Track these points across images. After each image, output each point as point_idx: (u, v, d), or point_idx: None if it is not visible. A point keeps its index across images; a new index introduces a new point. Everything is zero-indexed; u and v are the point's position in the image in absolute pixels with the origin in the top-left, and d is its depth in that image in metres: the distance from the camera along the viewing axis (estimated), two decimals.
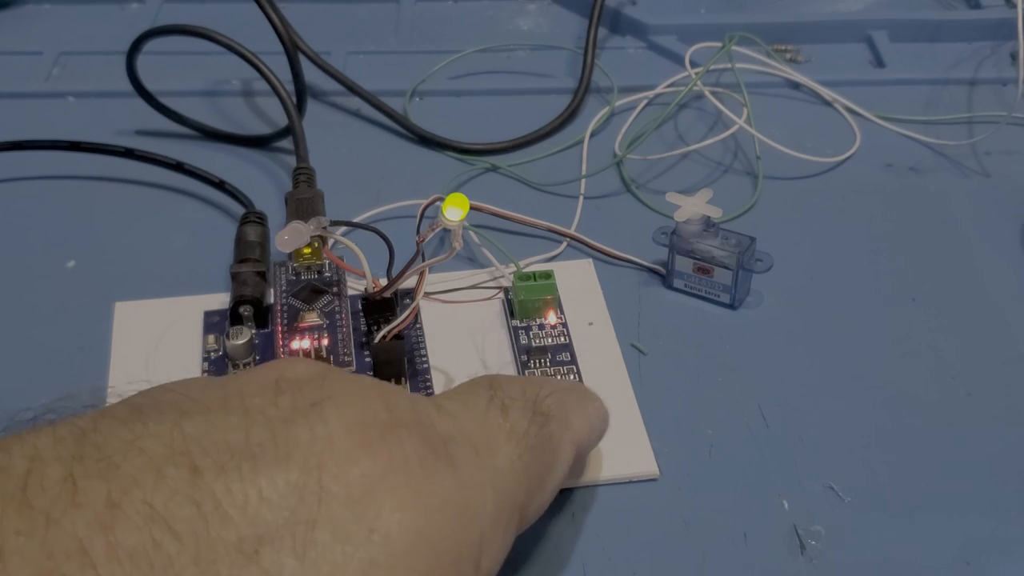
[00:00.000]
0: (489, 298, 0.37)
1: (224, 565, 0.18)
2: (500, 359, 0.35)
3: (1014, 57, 0.50)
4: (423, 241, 0.33)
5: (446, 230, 0.31)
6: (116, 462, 0.19)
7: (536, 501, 0.25)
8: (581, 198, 0.42)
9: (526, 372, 0.34)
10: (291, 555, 0.18)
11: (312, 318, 0.35)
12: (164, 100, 0.45)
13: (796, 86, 0.49)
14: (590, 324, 0.36)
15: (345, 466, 0.20)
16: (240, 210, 0.40)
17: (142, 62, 0.43)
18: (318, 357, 0.33)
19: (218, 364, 0.35)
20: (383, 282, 0.34)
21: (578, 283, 0.38)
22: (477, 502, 0.22)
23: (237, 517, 0.19)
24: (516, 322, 0.36)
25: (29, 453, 0.19)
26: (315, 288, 0.36)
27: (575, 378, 0.34)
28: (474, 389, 0.26)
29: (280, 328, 0.34)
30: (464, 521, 0.21)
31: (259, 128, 0.46)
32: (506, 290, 0.37)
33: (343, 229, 0.38)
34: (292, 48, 0.44)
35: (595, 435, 0.29)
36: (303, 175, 0.41)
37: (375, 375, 0.34)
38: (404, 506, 0.20)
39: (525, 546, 0.30)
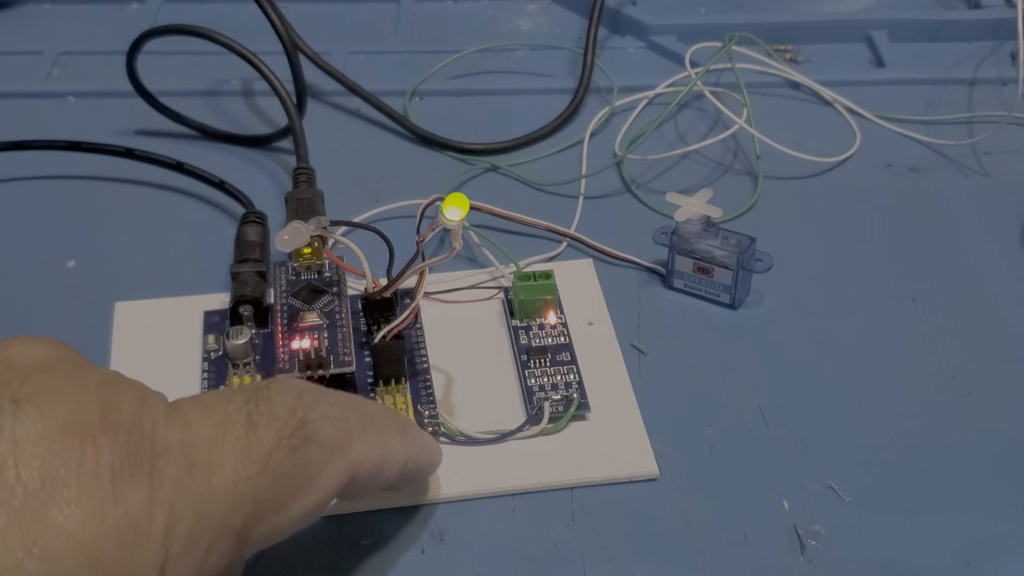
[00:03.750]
0: (489, 298, 0.37)
1: None
2: (500, 359, 0.35)
3: (1014, 57, 0.50)
4: (423, 241, 0.33)
5: (446, 230, 0.31)
6: None
7: (267, 525, 0.23)
8: (581, 198, 0.42)
9: (526, 372, 0.34)
10: None
11: (312, 318, 0.35)
12: (164, 100, 0.45)
13: (796, 86, 0.49)
14: (590, 324, 0.36)
15: (25, 474, 0.19)
16: (240, 210, 0.40)
17: (142, 62, 0.43)
18: (318, 357, 0.33)
19: (218, 364, 0.34)
20: (383, 282, 0.34)
21: (578, 283, 0.38)
22: (166, 524, 0.20)
23: None
24: (516, 322, 0.36)
25: None
26: (315, 288, 0.36)
27: (575, 378, 0.34)
28: (230, 395, 0.24)
29: (280, 328, 0.34)
30: (144, 543, 0.20)
31: (259, 128, 0.46)
32: (506, 290, 0.37)
33: (343, 229, 0.38)
34: (292, 48, 0.44)
35: (391, 470, 0.27)
36: (303, 175, 0.41)
37: (375, 375, 0.34)
38: (74, 523, 0.19)
39: (525, 546, 0.30)
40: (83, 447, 0.20)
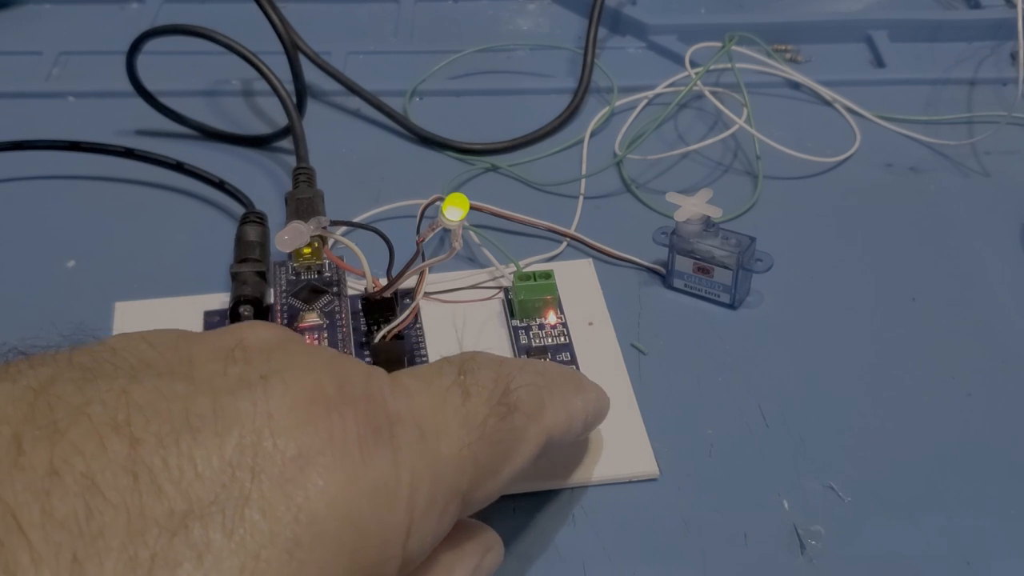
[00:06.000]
0: (489, 298, 0.37)
1: (153, 537, 0.18)
2: None
3: (1014, 57, 0.50)
4: (423, 241, 0.33)
5: (446, 230, 0.31)
6: (63, 428, 0.19)
7: (485, 488, 0.25)
8: (581, 198, 0.42)
9: None
10: (219, 531, 0.19)
11: (312, 318, 0.35)
12: (164, 100, 0.45)
13: (796, 86, 0.49)
14: (590, 324, 0.36)
15: (282, 444, 0.20)
16: (240, 210, 0.40)
17: (142, 62, 0.43)
18: None
19: None
20: (383, 282, 0.34)
21: (578, 283, 0.38)
22: (410, 486, 0.22)
23: (171, 491, 0.19)
24: (516, 322, 0.36)
25: None
26: (315, 288, 0.36)
27: None
28: (442, 368, 0.25)
29: None
30: (394, 504, 0.21)
31: (259, 128, 0.46)
32: (506, 290, 0.37)
33: (343, 229, 0.38)
34: (292, 48, 0.44)
35: (576, 427, 0.28)
36: (303, 175, 0.41)
37: None
38: (334, 488, 0.20)
39: (525, 546, 0.30)
40: (330, 417, 0.21)
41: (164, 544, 0.18)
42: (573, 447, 0.32)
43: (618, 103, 0.47)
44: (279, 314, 0.35)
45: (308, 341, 0.34)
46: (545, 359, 0.35)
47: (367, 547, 0.21)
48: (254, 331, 0.24)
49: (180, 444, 0.20)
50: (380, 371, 0.24)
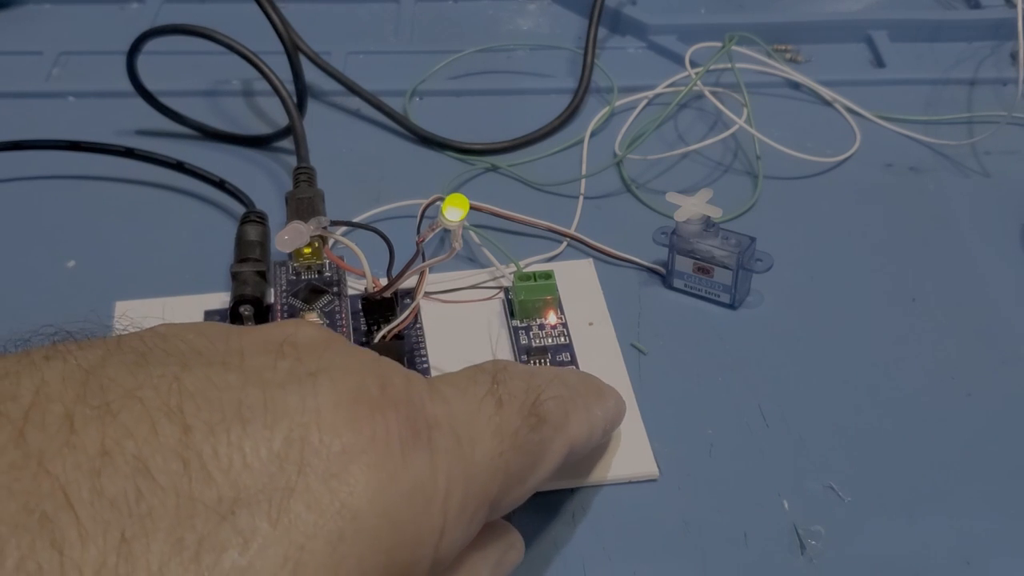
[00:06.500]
0: (489, 298, 0.37)
1: (200, 521, 0.19)
2: (500, 359, 0.35)
3: (1014, 57, 0.50)
4: (423, 241, 0.33)
5: (446, 230, 0.31)
6: (115, 410, 0.19)
7: (512, 496, 0.25)
8: (581, 198, 0.42)
9: None
10: (265, 520, 0.19)
11: (312, 318, 0.35)
12: (164, 100, 0.45)
13: (796, 86, 0.49)
14: (590, 324, 0.36)
15: (327, 440, 0.21)
16: (240, 210, 0.40)
17: (142, 62, 0.43)
18: None
19: None
20: (383, 282, 0.34)
21: (578, 283, 0.38)
22: (445, 490, 0.22)
23: (220, 478, 0.19)
24: (516, 322, 0.36)
25: (36, 385, 0.20)
26: (315, 288, 0.36)
27: None
28: (476, 377, 0.26)
29: None
30: (430, 507, 0.22)
31: (259, 128, 0.46)
32: (506, 290, 0.37)
33: (343, 229, 0.38)
34: (292, 48, 0.44)
35: (596, 435, 0.29)
36: (303, 175, 0.41)
37: None
38: (375, 486, 0.21)
39: (526, 546, 0.30)
40: (373, 418, 0.22)
41: (211, 529, 0.19)
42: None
43: (618, 103, 0.47)
44: (279, 314, 0.35)
45: None
46: (545, 360, 0.35)
47: (402, 546, 0.21)
48: (301, 328, 0.24)
49: (230, 433, 0.20)
50: (418, 375, 0.24)
